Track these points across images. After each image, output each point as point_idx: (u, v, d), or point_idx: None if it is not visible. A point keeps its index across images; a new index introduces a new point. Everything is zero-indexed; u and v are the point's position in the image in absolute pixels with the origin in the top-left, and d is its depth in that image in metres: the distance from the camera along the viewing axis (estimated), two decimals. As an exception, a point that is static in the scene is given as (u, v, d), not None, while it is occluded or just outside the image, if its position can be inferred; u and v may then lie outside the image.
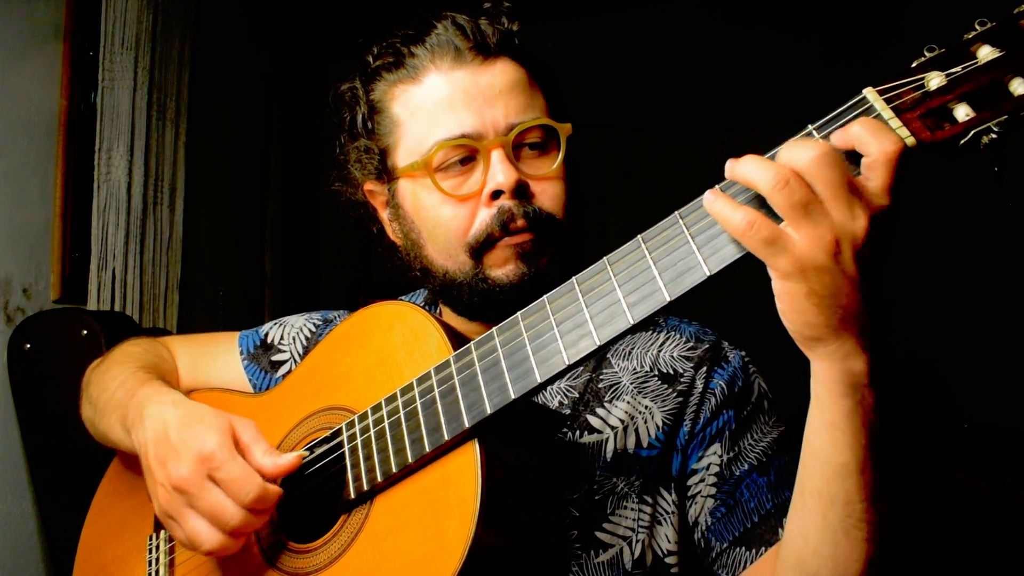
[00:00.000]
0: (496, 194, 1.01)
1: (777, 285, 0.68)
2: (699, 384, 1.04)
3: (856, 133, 0.66)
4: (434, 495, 0.83)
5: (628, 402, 1.05)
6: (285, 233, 3.84)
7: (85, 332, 2.07)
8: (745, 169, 0.68)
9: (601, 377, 1.08)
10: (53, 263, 2.23)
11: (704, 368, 1.06)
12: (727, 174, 0.70)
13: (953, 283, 3.20)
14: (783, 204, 0.65)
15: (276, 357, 1.28)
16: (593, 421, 1.04)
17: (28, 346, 2.05)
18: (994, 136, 0.61)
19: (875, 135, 0.65)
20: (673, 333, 1.11)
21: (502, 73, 1.04)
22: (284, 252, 3.85)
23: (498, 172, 1.00)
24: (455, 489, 0.81)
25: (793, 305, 0.68)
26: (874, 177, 0.66)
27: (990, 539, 2.31)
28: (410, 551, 0.82)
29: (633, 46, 3.93)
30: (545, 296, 0.82)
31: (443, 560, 0.77)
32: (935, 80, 0.64)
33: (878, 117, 0.67)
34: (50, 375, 1.99)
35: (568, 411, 1.06)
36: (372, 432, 0.91)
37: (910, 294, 3.07)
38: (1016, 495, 2.34)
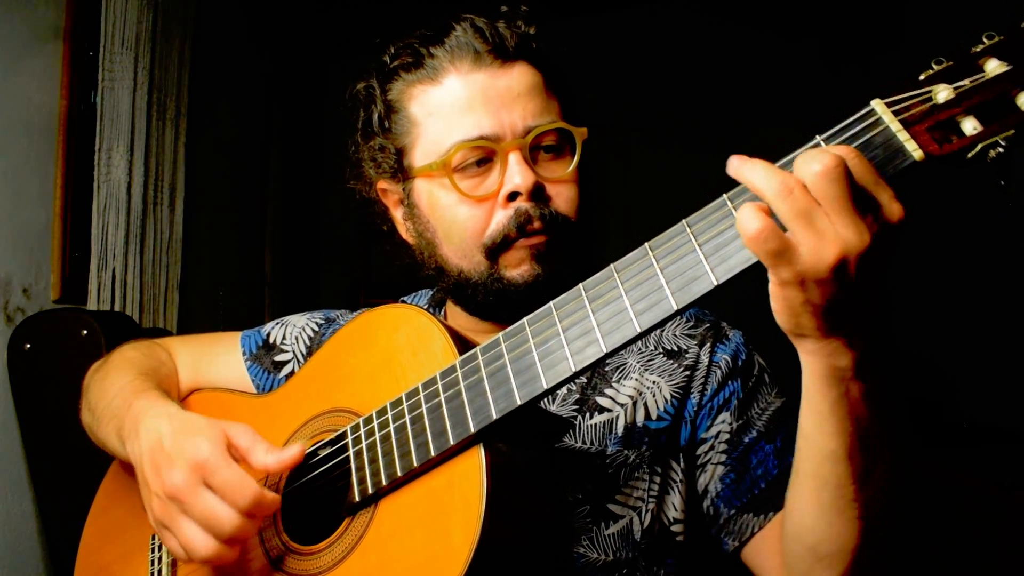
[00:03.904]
0: (513, 196, 1.03)
1: (775, 289, 0.69)
2: (704, 359, 1.08)
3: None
4: (439, 498, 0.83)
5: (636, 379, 1.08)
6: (285, 233, 3.84)
7: (85, 332, 2.06)
8: (752, 174, 0.68)
9: (607, 361, 1.10)
10: (53, 263, 2.23)
11: (708, 345, 1.10)
12: (730, 170, 0.69)
13: (953, 283, 3.20)
14: (786, 213, 0.65)
15: (279, 357, 1.28)
16: (603, 402, 1.07)
17: (28, 346, 2.05)
18: (1001, 150, 0.61)
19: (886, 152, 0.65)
20: None
21: (520, 76, 1.05)
22: (284, 252, 3.84)
23: (516, 174, 1.02)
24: (460, 492, 0.81)
25: (788, 309, 0.69)
26: (881, 191, 0.65)
27: (990, 539, 2.31)
28: (415, 553, 0.82)
29: (633, 47, 3.92)
30: (552, 303, 0.82)
31: (448, 562, 0.78)
32: (943, 93, 0.64)
33: (886, 130, 0.66)
34: (50, 375, 1.99)
35: (577, 396, 1.08)
36: (377, 436, 0.91)
37: (911, 295, 3.07)
38: (1016, 495, 2.35)
